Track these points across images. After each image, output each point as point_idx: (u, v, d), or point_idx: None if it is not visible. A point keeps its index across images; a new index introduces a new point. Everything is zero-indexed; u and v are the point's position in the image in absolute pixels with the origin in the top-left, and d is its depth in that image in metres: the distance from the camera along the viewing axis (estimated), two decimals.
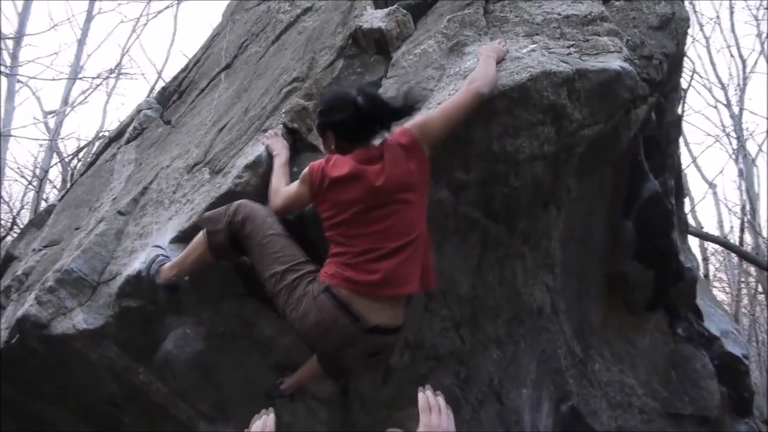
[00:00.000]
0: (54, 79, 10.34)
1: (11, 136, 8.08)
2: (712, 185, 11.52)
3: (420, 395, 1.79)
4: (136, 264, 2.73)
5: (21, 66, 8.20)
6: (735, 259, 11.71)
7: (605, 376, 3.62)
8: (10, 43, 8.51)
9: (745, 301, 11.93)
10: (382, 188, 2.20)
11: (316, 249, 2.39)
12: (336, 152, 2.34)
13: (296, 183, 2.39)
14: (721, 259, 13.40)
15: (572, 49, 2.72)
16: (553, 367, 3.31)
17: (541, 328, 3.20)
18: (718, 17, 12.89)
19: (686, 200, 7.26)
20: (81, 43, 9.78)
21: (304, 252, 2.33)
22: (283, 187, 2.46)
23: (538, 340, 3.19)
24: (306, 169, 2.33)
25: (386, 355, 2.44)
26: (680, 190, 4.10)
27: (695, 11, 10.87)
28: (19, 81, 8.52)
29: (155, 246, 2.69)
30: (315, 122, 2.45)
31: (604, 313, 3.60)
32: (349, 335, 2.20)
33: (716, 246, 11.70)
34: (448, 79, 2.67)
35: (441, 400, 1.79)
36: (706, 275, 10.68)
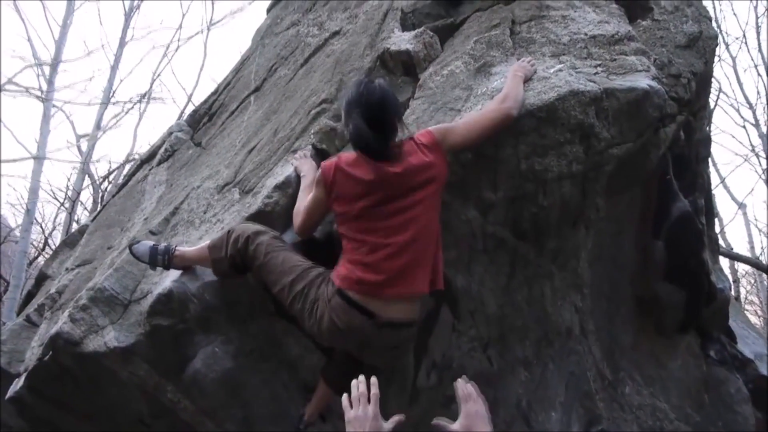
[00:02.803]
0: (88, 104, 10.60)
1: (46, 158, 8.28)
2: (741, 206, 11.31)
3: (456, 384, 1.94)
4: (167, 282, 2.77)
5: (56, 91, 8.43)
6: (767, 280, 11.43)
7: (636, 399, 3.54)
8: (46, 69, 8.77)
9: None
10: (394, 180, 2.23)
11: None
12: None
13: (312, 192, 2.43)
14: (753, 281, 13.11)
15: (599, 69, 2.72)
16: (583, 389, 3.25)
17: (570, 350, 3.15)
18: (744, 36, 12.75)
19: (716, 221, 7.14)
20: (114, 68, 10.04)
21: (306, 258, 2.42)
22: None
23: (566, 361, 3.15)
24: (318, 171, 2.37)
25: (405, 348, 2.52)
26: (710, 209, 4.04)
27: (721, 31, 10.78)
28: (54, 106, 8.76)
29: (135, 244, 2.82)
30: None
31: (634, 334, 3.54)
32: (365, 332, 2.26)
33: (747, 267, 11.45)
34: (476, 99, 2.70)
35: (475, 387, 1.93)
36: (738, 297, 10.45)
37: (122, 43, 10.24)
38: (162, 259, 2.73)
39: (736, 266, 11.09)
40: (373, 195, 2.24)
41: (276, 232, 2.53)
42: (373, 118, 2.25)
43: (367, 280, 2.22)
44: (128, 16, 10.42)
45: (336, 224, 2.39)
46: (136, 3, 10.60)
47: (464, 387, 1.92)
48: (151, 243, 2.82)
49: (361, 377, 1.89)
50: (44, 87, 8.53)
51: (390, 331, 2.29)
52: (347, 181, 2.27)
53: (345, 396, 1.86)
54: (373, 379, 1.86)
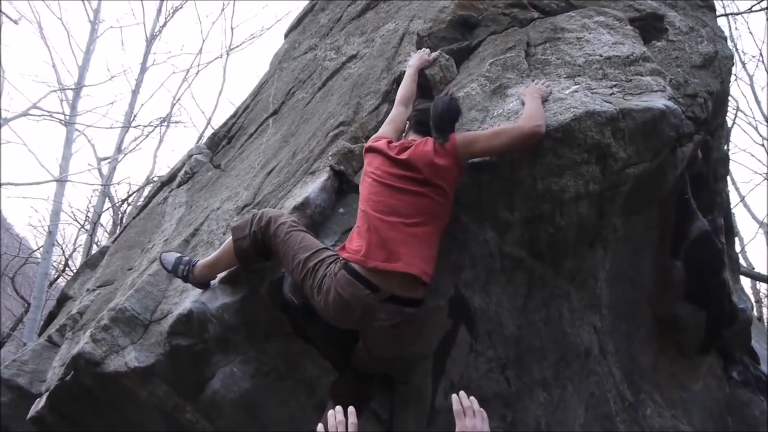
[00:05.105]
0: (110, 128, 10.78)
1: (68, 181, 8.44)
2: (762, 224, 11.14)
3: (453, 398, 1.87)
4: (187, 303, 2.80)
5: (79, 115, 8.60)
6: None
7: (657, 422, 3.48)
8: (69, 94, 8.96)
9: None
10: (398, 161, 2.47)
11: None
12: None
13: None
14: None
15: (615, 89, 2.74)
16: (603, 411, 3.21)
17: (589, 371, 3.12)
18: (761, 55, 12.64)
19: (736, 240, 7.05)
20: (135, 93, 10.22)
21: (322, 243, 2.59)
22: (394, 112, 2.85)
23: (586, 383, 3.12)
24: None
25: (409, 336, 2.53)
26: (730, 228, 4.00)
27: (737, 49, 10.73)
28: (76, 129, 8.93)
29: (165, 253, 2.95)
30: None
31: (654, 355, 3.50)
32: (368, 305, 2.36)
33: None
34: (492, 121, 2.72)
35: (474, 402, 1.86)
36: (760, 318, 10.26)
37: (143, 68, 10.43)
38: (183, 269, 2.82)
39: (757, 286, 10.92)
40: (380, 170, 2.49)
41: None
42: (448, 113, 2.57)
43: (361, 249, 2.37)
44: (150, 42, 10.63)
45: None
46: (157, 29, 10.82)
47: (461, 401, 1.86)
48: (178, 254, 2.90)
49: (338, 407, 1.85)
50: (67, 111, 8.71)
51: (392, 306, 2.36)
52: (368, 153, 2.61)
53: (320, 426, 1.82)
54: (351, 409, 1.83)
